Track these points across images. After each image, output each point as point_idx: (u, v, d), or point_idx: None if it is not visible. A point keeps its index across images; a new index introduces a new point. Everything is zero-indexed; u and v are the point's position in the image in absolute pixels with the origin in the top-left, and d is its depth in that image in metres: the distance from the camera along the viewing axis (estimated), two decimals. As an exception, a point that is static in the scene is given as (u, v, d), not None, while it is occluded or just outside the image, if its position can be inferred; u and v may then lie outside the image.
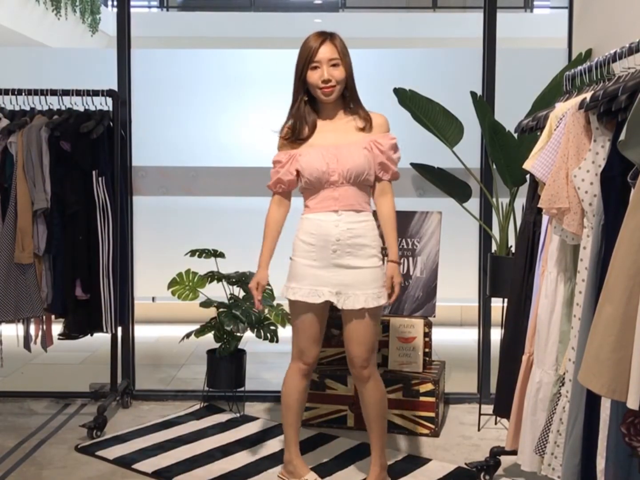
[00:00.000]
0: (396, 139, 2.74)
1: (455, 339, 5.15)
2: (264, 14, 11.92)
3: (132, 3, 3.93)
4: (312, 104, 2.72)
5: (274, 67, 4.06)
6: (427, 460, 3.14)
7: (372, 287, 2.67)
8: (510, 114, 3.35)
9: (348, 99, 2.70)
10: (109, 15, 10.93)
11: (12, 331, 3.55)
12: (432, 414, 3.44)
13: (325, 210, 2.68)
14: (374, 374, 2.76)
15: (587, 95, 2.16)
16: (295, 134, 2.72)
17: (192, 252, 3.72)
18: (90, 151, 3.49)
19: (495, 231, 3.63)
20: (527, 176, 2.78)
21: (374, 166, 2.69)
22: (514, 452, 2.60)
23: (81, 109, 3.61)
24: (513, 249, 3.33)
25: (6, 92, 3.53)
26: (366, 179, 2.69)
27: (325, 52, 2.62)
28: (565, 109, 2.34)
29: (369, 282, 2.67)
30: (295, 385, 2.83)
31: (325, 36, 2.65)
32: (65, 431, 3.47)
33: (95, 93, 3.58)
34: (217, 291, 3.75)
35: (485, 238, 3.82)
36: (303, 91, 2.69)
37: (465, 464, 3.05)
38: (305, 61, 2.63)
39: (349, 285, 2.66)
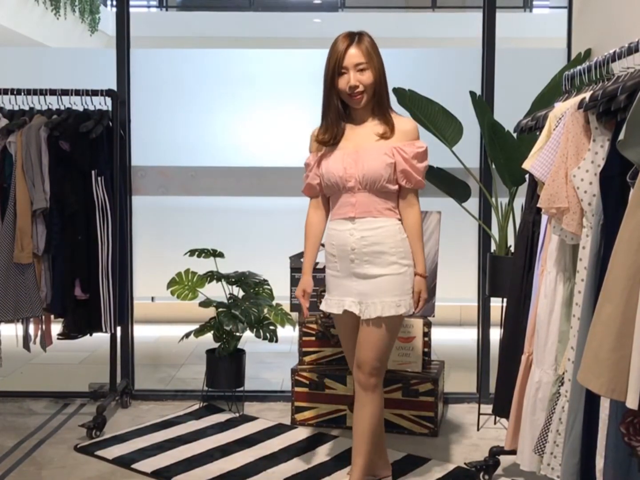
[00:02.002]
0: (425, 148, 2.64)
1: (454, 338, 5.15)
2: (263, 14, 11.92)
3: (131, 3, 3.94)
4: (345, 106, 2.65)
5: (273, 66, 4.07)
6: (426, 460, 3.13)
7: (391, 295, 2.58)
8: (509, 113, 3.35)
9: (375, 103, 2.62)
10: (108, 15, 10.93)
11: (12, 331, 3.55)
12: (431, 414, 3.44)
13: (342, 217, 2.65)
14: (380, 386, 2.66)
15: (586, 95, 2.16)
16: (323, 137, 2.66)
17: (192, 252, 3.73)
18: (90, 151, 3.49)
19: (495, 231, 3.63)
20: (527, 176, 2.78)
21: (394, 173, 2.59)
22: (513, 452, 2.60)
23: (80, 108, 3.60)
24: (512, 249, 3.33)
25: (5, 91, 3.53)
26: (384, 186, 2.60)
27: (352, 57, 2.55)
28: (565, 108, 2.34)
29: (387, 290, 2.58)
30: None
31: (352, 39, 2.57)
32: (64, 431, 3.47)
33: (95, 93, 3.58)
34: (217, 291, 3.75)
35: (484, 238, 3.82)
36: (334, 95, 2.61)
37: (465, 463, 3.06)
38: (334, 68, 2.57)
39: (368, 294, 2.60)
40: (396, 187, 2.62)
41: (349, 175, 2.60)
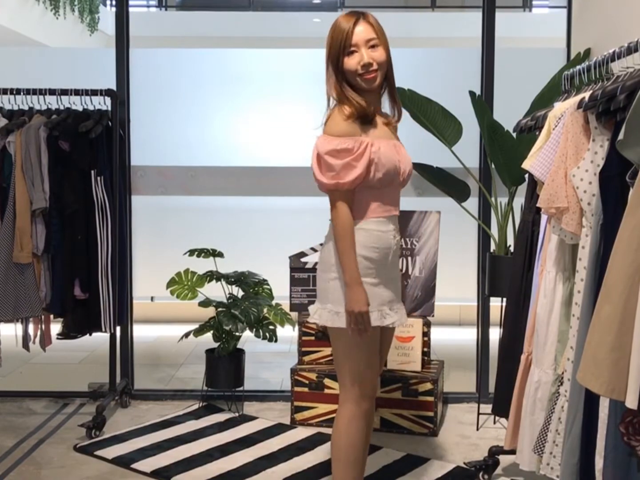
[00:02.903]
0: None
1: (454, 338, 5.15)
2: (262, 14, 11.92)
3: (130, 2, 3.94)
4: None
5: (273, 66, 4.07)
6: (426, 460, 3.13)
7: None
8: (509, 113, 3.35)
9: (387, 86, 2.38)
10: (107, 15, 10.92)
11: (11, 331, 3.54)
12: (430, 414, 3.44)
13: (385, 215, 2.33)
14: None
15: (586, 94, 2.16)
16: (366, 109, 2.28)
17: (191, 252, 3.72)
18: (89, 151, 3.49)
19: (494, 231, 3.63)
20: (526, 175, 2.78)
21: None
22: (512, 452, 2.60)
23: (80, 108, 3.60)
24: (512, 249, 3.33)
25: (5, 91, 3.53)
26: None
27: (361, 32, 2.26)
28: (564, 108, 2.34)
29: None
30: (362, 433, 2.33)
31: (358, 15, 2.29)
32: (64, 431, 3.47)
33: (94, 92, 3.58)
34: (216, 291, 3.75)
35: (484, 237, 3.82)
36: (343, 79, 2.30)
37: (464, 463, 3.06)
38: (340, 48, 2.27)
39: (394, 300, 2.39)
40: None
41: (402, 168, 2.35)
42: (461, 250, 4.00)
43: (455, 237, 3.91)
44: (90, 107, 3.61)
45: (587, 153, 2.11)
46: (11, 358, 3.84)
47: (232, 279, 3.73)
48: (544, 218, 2.49)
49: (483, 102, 3.60)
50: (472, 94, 3.54)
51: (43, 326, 3.58)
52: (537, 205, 2.28)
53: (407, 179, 2.40)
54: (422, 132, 3.62)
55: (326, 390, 3.53)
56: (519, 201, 3.08)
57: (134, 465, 3.05)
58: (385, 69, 2.33)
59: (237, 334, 3.68)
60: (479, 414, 3.53)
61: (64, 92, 3.56)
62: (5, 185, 3.43)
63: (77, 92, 3.56)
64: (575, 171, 2.12)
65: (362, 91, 2.32)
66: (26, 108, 3.59)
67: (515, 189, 3.49)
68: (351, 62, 2.28)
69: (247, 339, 3.94)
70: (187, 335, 3.71)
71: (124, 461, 3.10)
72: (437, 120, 3.56)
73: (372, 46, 2.29)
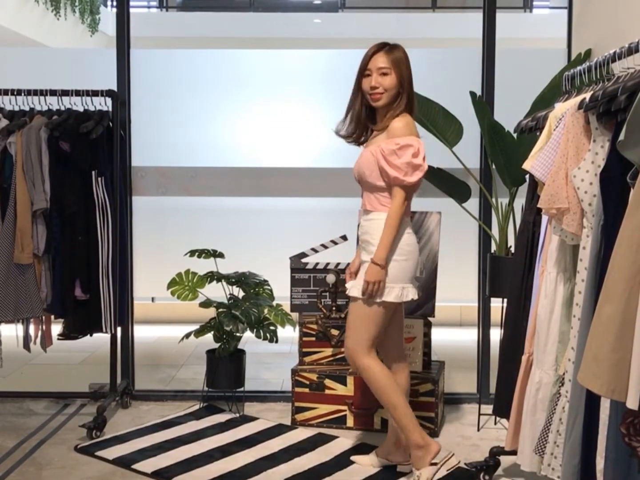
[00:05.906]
0: (402, 144, 2.73)
1: (454, 339, 5.15)
2: (263, 14, 11.93)
3: (131, 3, 3.93)
4: (373, 110, 2.87)
5: (273, 67, 4.07)
6: (427, 461, 3.13)
7: (362, 279, 2.81)
8: (509, 114, 3.35)
9: (393, 109, 2.81)
10: (108, 16, 10.93)
11: (12, 331, 3.55)
12: (431, 414, 3.43)
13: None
14: (362, 361, 2.83)
15: (587, 95, 2.16)
16: (343, 133, 2.92)
17: (192, 253, 3.72)
18: (90, 151, 3.49)
19: (495, 231, 3.63)
20: (527, 176, 2.78)
21: (377, 170, 2.79)
22: (513, 452, 2.60)
23: (80, 109, 3.61)
24: (512, 249, 3.33)
25: (5, 92, 3.53)
26: (369, 182, 2.82)
27: (376, 60, 2.78)
28: (565, 109, 2.34)
29: (362, 275, 2.81)
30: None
31: (382, 46, 2.81)
32: (64, 431, 3.47)
33: (95, 93, 3.58)
34: (217, 291, 3.75)
35: (484, 238, 3.82)
36: (359, 97, 2.85)
37: (465, 464, 3.05)
38: (360, 69, 2.82)
39: (359, 277, 2.86)
40: (382, 182, 2.79)
41: (354, 172, 2.93)
42: (462, 250, 4.00)
43: (455, 238, 3.90)
44: (91, 108, 3.61)
45: (587, 154, 2.11)
46: (12, 358, 3.84)
47: (233, 280, 3.73)
48: (544, 219, 2.49)
49: (484, 103, 3.60)
50: (472, 94, 3.54)
51: (44, 327, 3.59)
52: (538, 206, 2.28)
53: (357, 179, 2.90)
54: (422, 133, 3.59)
55: (327, 391, 3.53)
56: (520, 202, 3.08)
57: (135, 466, 3.05)
58: (392, 92, 2.79)
59: (237, 334, 3.68)
60: (479, 414, 3.52)
61: (65, 92, 3.56)
62: (6, 186, 3.43)
63: (77, 93, 3.56)
64: (575, 172, 2.12)
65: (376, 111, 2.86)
66: (27, 109, 3.59)
67: (516, 189, 3.49)
68: (365, 84, 2.82)
69: (248, 339, 3.94)
70: (187, 335, 3.71)
71: (124, 462, 3.10)
72: (438, 121, 3.56)
73: (383, 73, 2.78)
